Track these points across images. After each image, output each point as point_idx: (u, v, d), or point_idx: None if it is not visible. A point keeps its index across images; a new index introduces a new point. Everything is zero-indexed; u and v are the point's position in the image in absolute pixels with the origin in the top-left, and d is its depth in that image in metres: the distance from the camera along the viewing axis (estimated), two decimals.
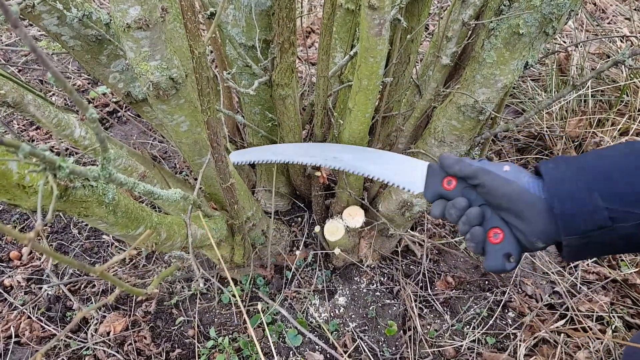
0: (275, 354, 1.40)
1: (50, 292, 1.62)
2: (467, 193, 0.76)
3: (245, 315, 0.74)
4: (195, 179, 1.06)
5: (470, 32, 1.15)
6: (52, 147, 2.24)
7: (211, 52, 2.23)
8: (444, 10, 2.05)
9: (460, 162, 0.76)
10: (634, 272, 1.60)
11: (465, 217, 0.74)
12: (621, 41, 2.44)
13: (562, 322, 1.47)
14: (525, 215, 0.69)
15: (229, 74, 1.08)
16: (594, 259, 1.67)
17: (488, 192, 0.73)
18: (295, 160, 1.12)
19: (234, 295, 1.53)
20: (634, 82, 2.04)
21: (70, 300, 1.60)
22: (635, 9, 3.02)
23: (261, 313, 1.16)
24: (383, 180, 0.95)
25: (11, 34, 2.93)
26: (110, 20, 0.98)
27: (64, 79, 0.37)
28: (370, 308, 1.52)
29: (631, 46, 2.28)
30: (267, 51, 1.19)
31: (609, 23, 2.90)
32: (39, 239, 1.75)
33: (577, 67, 2.22)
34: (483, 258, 0.73)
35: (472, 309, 1.53)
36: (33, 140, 2.32)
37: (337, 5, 1.26)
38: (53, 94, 2.49)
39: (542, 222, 0.68)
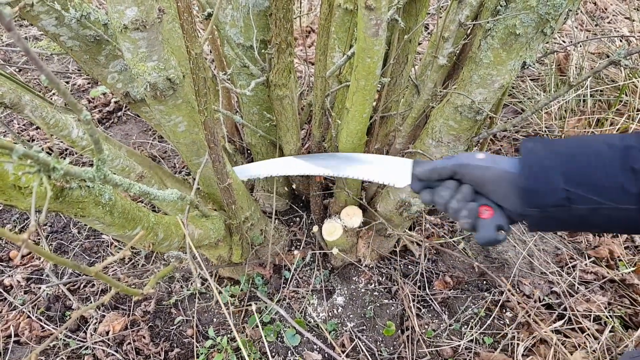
0: (271, 354, 1.41)
1: (49, 292, 1.62)
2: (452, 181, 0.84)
3: (229, 317, 0.75)
4: (195, 179, 1.07)
5: (469, 32, 1.15)
6: (50, 148, 2.24)
7: (210, 52, 2.23)
8: (443, 11, 2.06)
9: (432, 170, 0.84)
10: (632, 272, 1.60)
11: (460, 194, 0.80)
12: (620, 41, 2.44)
13: (560, 322, 1.47)
14: (509, 194, 0.77)
15: (225, 74, 1.08)
16: (590, 260, 1.68)
17: (471, 180, 0.80)
18: (288, 173, 1.18)
19: (232, 296, 1.53)
20: (633, 82, 2.04)
21: (70, 299, 1.61)
22: (635, 9, 3.02)
23: (256, 315, 1.16)
24: (373, 180, 1.01)
25: None
26: (109, 20, 0.98)
27: (58, 81, 0.38)
28: (369, 308, 1.52)
29: (629, 45, 2.28)
30: (265, 51, 1.20)
31: (609, 22, 2.89)
32: (38, 239, 1.76)
33: (576, 67, 2.22)
34: (476, 233, 0.80)
35: (469, 309, 1.53)
36: (33, 140, 2.33)
37: (336, 5, 1.26)
38: (54, 94, 2.49)
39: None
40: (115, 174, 0.64)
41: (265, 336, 1.46)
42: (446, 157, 0.85)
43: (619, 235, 1.73)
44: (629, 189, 0.67)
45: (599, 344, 1.40)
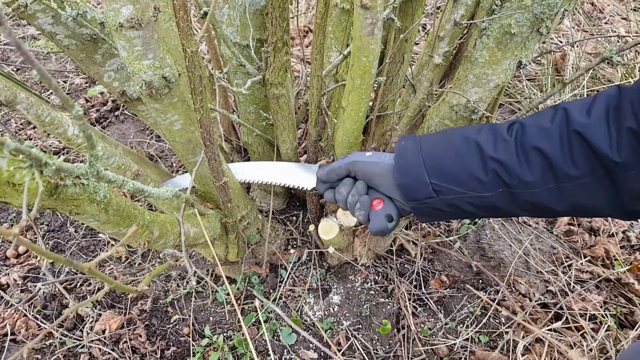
0: (271, 352, 1.41)
1: (46, 291, 1.62)
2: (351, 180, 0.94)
3: (239, 314, 0.75)
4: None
5: (465, 31, 1.15)
6: (45, 146, 2.24)
7: (208, 51, 2.23)
8: (440, 10, 2.06)
9: (331, 171, 0.94)
10: (627, 271, 1.61)
11: (355, 189, 0.90)
12: (617, 41, 2.45)
13: (559, 323, 1.48)
14: (394, 186, 0.86)
15: (221, 72, 1.09)
16: (586, 259, 1.68)
17: (363, 176, 0.90)
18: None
19: (227, 294, 1.53)
20: (629, 82, 2.05)
21: (66, 298, 1.61)
22: (633, 9, 3.02)
23: (258, 310, 1.17)
24: (288, 184, 1.11)
25: None
26: (105, 19, 0.98)
27: (49, 76, 0.38)
28: (365, 307, 1.52)
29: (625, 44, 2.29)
30: (262, 50, 1.20)
31: (606, 23, 2.90)
32: (35, 238, 1.76)
33: (572, 67, 2.23)
34: (369, 225, 0.89)
35: (465, 308, 1.54)
36: (30, 139, 2.33)
37: (332, 5, 1.27)
38: (52, 93, 2.49)
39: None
40: (111, 172, 0.64)
41: (262, 334, 1.46)
42: (341, 158, 0.95)
43: (614, 234, 1.74)
44: (480, 178, 0.75)
45: (595, 342, 1.40)
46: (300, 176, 1.09)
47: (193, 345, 1.46)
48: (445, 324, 1.49)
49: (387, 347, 1.44)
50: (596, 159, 0.66)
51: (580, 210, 0.73)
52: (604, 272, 1.61)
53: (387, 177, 0.86)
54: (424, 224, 1.76)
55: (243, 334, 1.46)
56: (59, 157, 0.48)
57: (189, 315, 1.53)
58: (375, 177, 0.88)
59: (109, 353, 1.45)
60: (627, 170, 0.64)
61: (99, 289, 1.65)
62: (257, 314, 1.49)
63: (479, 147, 0.76)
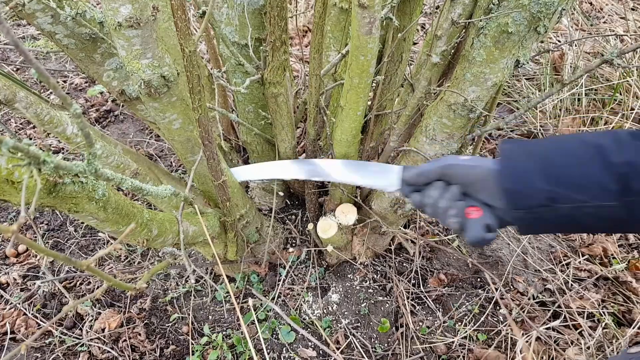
0: (266, 351, 1.42)
1: (45, 289, 1.63)
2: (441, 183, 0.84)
3: (239, 313, 0.76)
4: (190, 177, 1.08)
5: (463, 30, 1.15)
6: (44, 145, 2.25)
7: (207, 51, 2.24)
8: (438, 10, 2.06)
9: (421, 173, 0.84)
10: (624, 268, 1.61)
11: (449, 194, 0.80)
12: (614, 40, 2.45)
13: (557, 321, 1.48)
14: (497, 192, 0.75)
15: (219, 71, 1.09)
16: (584, 257, 1.69)
17: (459, 181, 0.80)
18: (288, 177, 1.16)
19: (227, 293, 1.54)
20: (627, 81, 2.06)
21: (66, 297, 1.61)
22: (632, 9, 3.03)
23: (253, 311, 1.17)
24: (365, 185, 1.03)
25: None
26: (104, 18, 0.99)
27: (48, 75, 0.38)
28: (363, 305, 1.53)
29: (622, 44, 2.29)
30: (261, 49, 1.20)
31: (604, 22, 2.90)
32: (35, 237, 1.76)
33: (571, 66, 2.23)
34: (464, 234, 0.79)
35: (463, 306, 1.54)
36: (30, 139, 2.33)
37: (331, 4, 1.27)
38: (51, 93, 2.49)
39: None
40: (110, 170, 0.64)
41: (259, 334, 1.47)
42: (433, 160, 0.85)
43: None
44: (608, 186, 0.66)
45: (593, 340, 1.41)
46: (382, 177, 0.99)
47: (192, 343, 1.46)
48: (444, 322, 1.50)
49: (386, 345, 1.45)
50: None
51: None
52: (601, 270, 1.62)
53: (488, 183, 0.77)
54: (422, 223, 1.77)
55: (242, 332, 1.47)
56: (57, 156, 0.48)
57: (188, 314, 1.54)
58: (474, 182, 0.79)
59: (109, 351, 1.46)
60: None
61: (98, 288, 1.66)
62: (255, 314, 1.50)
63: (600, 149, 0.67)
